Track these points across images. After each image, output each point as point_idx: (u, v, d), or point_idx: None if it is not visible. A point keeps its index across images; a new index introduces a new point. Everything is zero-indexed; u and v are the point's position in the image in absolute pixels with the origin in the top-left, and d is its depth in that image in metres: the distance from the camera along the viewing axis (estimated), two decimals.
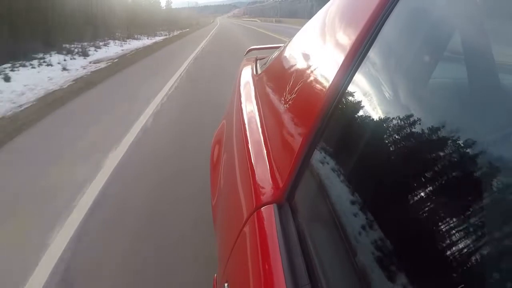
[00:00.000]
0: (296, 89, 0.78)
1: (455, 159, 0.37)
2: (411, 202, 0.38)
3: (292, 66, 1.00)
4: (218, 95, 4.67)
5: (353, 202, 0.49)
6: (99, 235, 1.98)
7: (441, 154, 0.38)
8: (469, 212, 0.33)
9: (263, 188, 0.67)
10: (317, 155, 0.59)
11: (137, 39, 15.50)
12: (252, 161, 0.80)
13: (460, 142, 0.38)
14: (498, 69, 0.50)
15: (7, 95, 4.99)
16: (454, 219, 0.34)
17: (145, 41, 14.98)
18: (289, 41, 1.24)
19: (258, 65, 1.55)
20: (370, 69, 0.58)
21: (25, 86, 5.55)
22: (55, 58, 8.01)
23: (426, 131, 0.41)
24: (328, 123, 0.59)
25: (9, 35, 7.39)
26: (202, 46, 12.94)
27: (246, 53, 2.00)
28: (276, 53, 1.33)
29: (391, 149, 0.46)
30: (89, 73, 7.00)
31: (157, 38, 17.29)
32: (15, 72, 6.34)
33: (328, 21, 0.90)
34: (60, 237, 1.95)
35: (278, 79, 1.05)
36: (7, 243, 1.92)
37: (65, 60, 8.06)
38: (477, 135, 0.37)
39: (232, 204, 0.83)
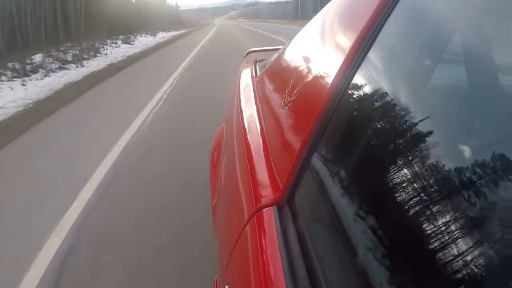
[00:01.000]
0: (295, 91, 0.78)
1: (456, 160, 0.37)
2: (412, 203, 0.38)
3: (292, 68, 1.00)
4: (221, 48, 12.62)
5: (353, 204, 0.49)
6: (192, 65, 8.53)
7: (441, 155, 0.38)
8: (469, 213, 0.33)
9: (263, 190, 0.67)
10: (317, 157, 0.59)
11: (166, 31, 22.91)
12: (252, 163, 0.79)
13: (461, 142, 0.38)
14: (498, 70, 0.50)
15: (112, 56, 9.90)
16: (454, 220, 0.33)
17: (173, 33, 23.33)
18: (288, 43, 1.24)
19: (257, 67, 1.55)
20: (369, 71, 0.58)
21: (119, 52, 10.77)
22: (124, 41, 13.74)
23: (427, 132, 0.41)
24: (328, 124, 0.59)
25: (108, 29, 13.74)
26: (210, 35, 22.08)
27: (246, 55, 2.00)
28: (275, 55, 1.33)
29: (391, 150, 0.46)
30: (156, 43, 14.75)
31: (181, 31, 26.82)
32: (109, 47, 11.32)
33: (328, 22, 0.90)
34: (184, 62, 8.96)
35: (278, 81, 1.05)
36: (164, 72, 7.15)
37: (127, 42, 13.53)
38: (477, 136, 0.37)
39: (232, 206, 0.82)
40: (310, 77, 0.77)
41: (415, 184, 0.40)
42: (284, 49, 1.23)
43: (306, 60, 0.89)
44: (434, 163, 0.39)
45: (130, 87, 6.14)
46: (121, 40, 13.26)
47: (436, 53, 0.58)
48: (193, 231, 1.94)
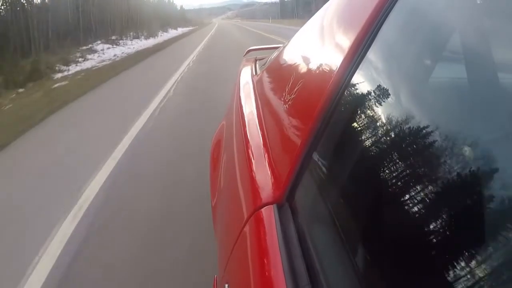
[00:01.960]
0: (295, 89, 0.78)
1: (455, 159, 0.37)
2: (411, 202, 0.38)
3: (292, 66, 1.00)
4: (225, 36, 21.07)
5: (353, 202, 0.49)
6: (210, 40, 18.19)
7: (441, 154, 0.38)
8: (469, 212, 0.33)
9: (263, 188, 0.67)
10: (317, 155, 0.59)
11: (182, 27, 31.89)
12: (252, 161, 0.79)
13: (460, 141, 0.38)
14: (498, 69, 0.50)
15: (131, 47, 14.87)
16: (454, 219, 0.33)
17: (184, 29, 31.18)
18: (288, 42, 1.24)
19: (257, 65, 1.55)
20: (369, 69, 0.58)
21: (137, 44, 16.05)
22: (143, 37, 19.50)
23: (426, 131, 0.41)
24: (327, 123, 0.59)
25: (122, 28, 18.10)
26: (214, 30, 29.99)
27: (246, 54, 2.00)
28: (275, 54, 1.33)
29: (390, 149, 0.46)
30: (167, 39, 19.72)
31: (190, 28, 35.42)
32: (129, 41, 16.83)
33: (327, 21, 0.90)
34: (205, 39, 18.74)
35: (278, 80, 1.05)
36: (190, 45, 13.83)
37: (144, 38, 18.85)
38: (476, 135, 0.37)
39: (232, 205, 0.82)
40: (310, 76, 0.77)
41: (414, 182, 0.40)
42: (284, 47, 1.23)
43: (306, 58, 0.89)
44: (433, 161, 0.39)
45: (179, 47, 14.55)
46: (163, 30, 25.15)
47: (436, 51, 0.58)
48: (230, 50, 10.81)
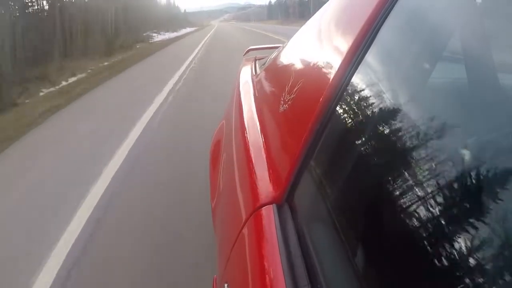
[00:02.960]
0: (295, 89, 0.78)
1: (455, 159, 0.37)
2: (411, 202, 0.38)
3: (291, 66, 1.00)
4: (226, 33, 28.35)
5: (352, 203, 0.49)
6: (213, 36, 24.95)
7: (441, 154, 0.38)
8: (469, 212, 0.33)
9: (262, 188, 0.67)
10: (317, 155, 0.59)
11: (184, 28, 37.03)
12: (252, 161, 0.79)
13: (460, 141, 0.38)
14: (497, 69, 0.50)
15: (168, 36, 23.79)
16: (454, 219, 0.34)
17: (190, 29, 37.33)
18: (288, 42, 1.24)
19: (257, 65, 1.55)
20: (369, 69, 0.58)
21: (169, 35, 25.09)
22: (162, 33, 25.36)
23: (426, 131, 0.41)
24: (327, 123, 0.59)
25: (156, 26, 25.62)
26: (215, 29, 37.18)
27: (245, 53, 2.00)
28: (275, 53, 1.33)
29: (390, 149, 0.46)
30: (179, 35, 26.41)
31: (195, 28, 41.86)
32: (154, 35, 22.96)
33: (327, 20, 0.90)
34: (208, 34, 27.47)
35: (277, 79, 1.05)
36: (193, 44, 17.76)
37: (164, 34, 24.67)
38: (476, 135, 0.37)
39: (231, 205, 0.82)
40: (310, 76, 0.77)
41: (414, 182, 0.40)
42: (284, 47, 1.23)
43: (306, 58, 0.89)
44: (432, 162, 0.39)
45: (190, 39, 20.27)
46: (179, 28, 34.70)
47: (435, 52, 0.58)
48: (231, 45, 15.02)
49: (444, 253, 0.33)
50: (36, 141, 3.61)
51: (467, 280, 0.30)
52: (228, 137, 1.18)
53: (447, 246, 0.33)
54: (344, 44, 0.64)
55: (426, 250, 0.34)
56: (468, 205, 0.33)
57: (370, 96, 0.54)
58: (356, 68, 0.58)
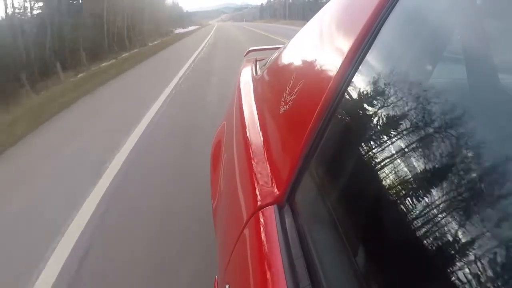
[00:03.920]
0: (296, 90, 0.78)
1: (455, 159, 0.37)
2: (411, 203, 0.38)
3: (292, 67, 1.00)
4: (226, 29, 37.83)
5: (353, 203, 0.49)
6: (217, 31, 35.55)
7: (441, 154, 0.38)
8: (469, 213, 0.33)
9: (263, 189, 0.67)
10: (318, 156, 0.59)
11: (193, 26, 47.45)
12: (252, 162, 0.79)
13: (460, 142, 0.38)
14: (498, 69, 0.50)
15: (182, 31, 36.49)
16: (454, 220, 0.33)
17: (194, 27, 47.61)
18: (289, 42, 1.24)
19: (257, 66, 1.55)
20: (370, 69, 0.58)
21: (182, 30, 37.80)
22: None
23: (426, 132, 0.41)
24: (328, 124, 0.59)
25: (171, 23, 37.44)
26: (216, 27, 46.31)
27: (246, 54, 2.00)
28: (275, 54, 1.33)
29: (391, 150, 0.46)
30: (190, 30, 38.64)
31: (198, 26, 51.19)
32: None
33: (328, 21, 0.90)
34: (213, 29, 38.27)
35: (278, 80, 1.05)
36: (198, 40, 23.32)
37: (179, 29, 36.57)
38: (477, 135, 0.37)
39: (232, 205, 0.82)
40: (311, 76, 0.77)
41: (414, 183, 0.40)
42: (284, 48, 1.23)
43: (307, 59, 0.89)
44: (433, 162, 0.39)
45: (199, 34, 29.28)
46: (184, 26, 45.90)
47: (436, 53, 0.58)
48: (235, 41, 18.79)
49: (444, 253, 0.33)
50: (156, 58, 11.72)
51: (467, 280, 0.30)
52: (229, 138, 1.18)
53: (447, 246, 0.33)
54: (344, 45, 0.64)
55: (428, 250, 0.34)
56: (468, 206, 0.33)
57: (370, 97, 0.54)
58: (356, 69, 0.58)
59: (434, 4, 0.59)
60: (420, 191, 0.38)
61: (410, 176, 0.41)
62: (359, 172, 0.51)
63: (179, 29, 35.76)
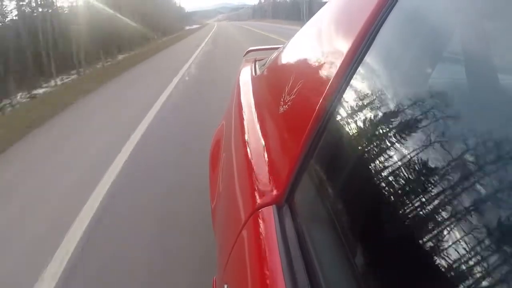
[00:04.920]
0: (295, 90, 0.78)
1: (455, 160, 0.37)
2: (410, 203, 0.38)
3: (291, 67, 1.00)
4: (226, 27, 45.96)
5: (352, 203, 0.49)
6: (218, 28, 45.21)
7: (440, 155, 0.38)
8: (469, 213, 0.33)
9: (262, 189, 0.67)
10: (317, 156, 0.59)
11: (191, 25, 58.15)
12: (251, 162, 0.79)
13: (460, 142, 0.37)
14: (497, 69, 0.50)
15: (193, 28, 51.31)
16: (454, 220, 0.33)
17: (195, 26, 54.58)
18: (288, 42, 1.24)
19: (257, 66, 1.55)
20: (368, 70, 0.58)
21: (189, 28, 51.88)
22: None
23: (425, 132, 0.41)
24: (327, 124, 0.59)
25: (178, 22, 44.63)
26: (216, 26, 49.51)
27: (245, 54, 2.00)
28: (275, 54, 1.33)
29: (390, 150, 0.46)
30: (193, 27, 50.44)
31: (199, 26, 58.69)
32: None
33: (327, 22, 0.90)
34: (214, 28, 44.98)
35: (277, 80, 1.05)
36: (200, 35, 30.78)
37: (185, 27, 48.91)
38: (476, 136, 0.37)
39: (231, 205, 0.82)
40: (310, 76, 0.77)
41: (413, 183, 0.40)
42: (284, 48, 1.23)
43: (306, 59, 0.89)
44: (432, 162, 0.39)
45: (203, 31, 35.59)
46: (190, 25, 58.51)
47: (435, 53, 0.58)
48: (234, 39, 22.38)
49: (444, 253, 0.32)
50: (162, 54, 14.02)
51: (467, 280, 0.30)
52: (228, 138, 1.18)
53: (447, 246, 0.33)
54: (344, 45, 0.64)
55: (426, 250, 0.34)
56: (468, 206, 0.33)
57: (369, 97, 0.54)
58: (356, 69, 0.58)
59: (433, 4, 0.59)
60: (419, 192, 0.38)
61: (409, 177, 0.41)
62: (358, 172, 0.51)
63: (185, 26, 45.63)
